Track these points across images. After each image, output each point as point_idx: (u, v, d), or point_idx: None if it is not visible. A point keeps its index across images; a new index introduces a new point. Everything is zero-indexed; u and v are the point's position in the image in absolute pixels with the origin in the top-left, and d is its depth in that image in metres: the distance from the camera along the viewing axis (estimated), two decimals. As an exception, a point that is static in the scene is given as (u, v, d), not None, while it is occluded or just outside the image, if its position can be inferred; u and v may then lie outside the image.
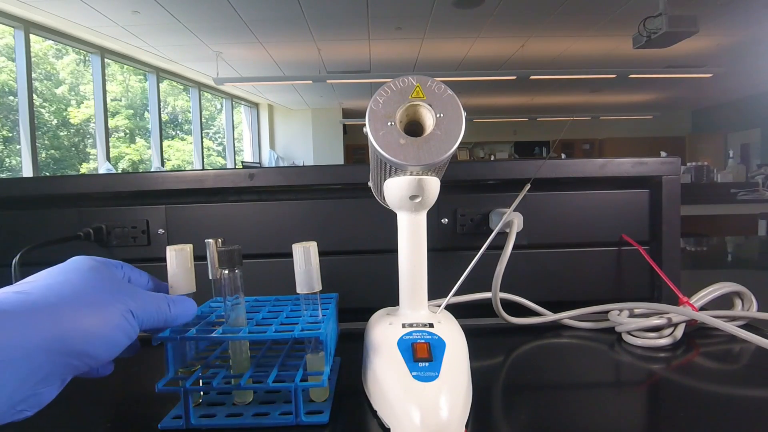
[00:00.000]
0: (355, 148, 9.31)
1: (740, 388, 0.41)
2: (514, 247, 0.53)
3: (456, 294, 0.46)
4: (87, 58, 5.51)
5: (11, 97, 4.44)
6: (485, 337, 0.54)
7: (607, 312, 0.54)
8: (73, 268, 0.31)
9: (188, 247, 0.38)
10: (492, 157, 9.80)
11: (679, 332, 0.49)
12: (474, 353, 0.39)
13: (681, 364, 0.46)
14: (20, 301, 0.26)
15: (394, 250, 0.42)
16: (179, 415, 0.35)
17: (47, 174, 5.45)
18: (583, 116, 9.48)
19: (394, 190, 0.38)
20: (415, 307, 0.41)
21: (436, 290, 0.46)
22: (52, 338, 0.25)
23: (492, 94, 7.71)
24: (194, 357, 0.40)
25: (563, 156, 9.04)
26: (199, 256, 0.40)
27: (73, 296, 0.28)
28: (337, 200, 0.61)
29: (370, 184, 0.47)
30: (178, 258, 0.38)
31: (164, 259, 0.38)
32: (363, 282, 0.60)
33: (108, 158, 4.91)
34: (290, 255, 0.37)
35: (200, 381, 0.36)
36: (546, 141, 10.32)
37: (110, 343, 0.29)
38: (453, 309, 0.46)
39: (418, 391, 0.32)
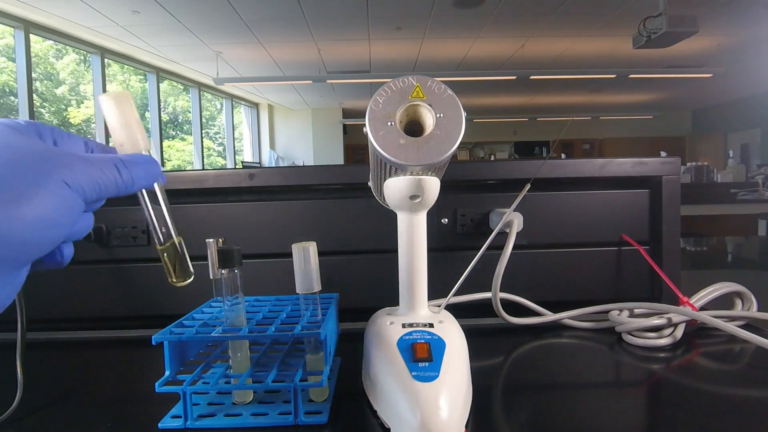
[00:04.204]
0: (355, 148, 9.30)
1: (740, 388, 0.41)
2: (514, 247, 0.53)
3: (456, 294, 0.46)
4: (87, 58, 5.51)
5: (11, 97, 4.44)
6: (485, 337, 0.54)
7: (607, 312, 0.54)
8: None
9: (127, 93, 0.30)
10: (492, 157, 9.80)
11: (679, 332, 0.49)
12: (474, 353, 0.39)
13: (681, 364, 0.46)
14: None
15: (394, 250, 0.42)
16: (179, 415, 0.35)
17: (47, 174, 5.43)
18: (583, 116, 9.48)
19: (394, 190, 0.38)
20: (415, 307, 0.41)
21: (436, 290, 0.46)
22: None
23: (492, 94, 7.71)
24: (194, 357, 0.40)
25: (563, 156, 9.04)
26: (199, 256, 0.40)
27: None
28: (337, 200, 0.61)
29: (370, 184, 0.47)
30: (118, 107, 0.29)
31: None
32: (363, 282, 0.60)
33: (108, 158, 4.91)
34: (290, 255, 0.37)
35: (199, 381, 0.36)
36: (546, 141, 10.32)
37: (51, 225, 0.24)
38: (453, 309, 0.46)
39: (418, 391, 0.32)
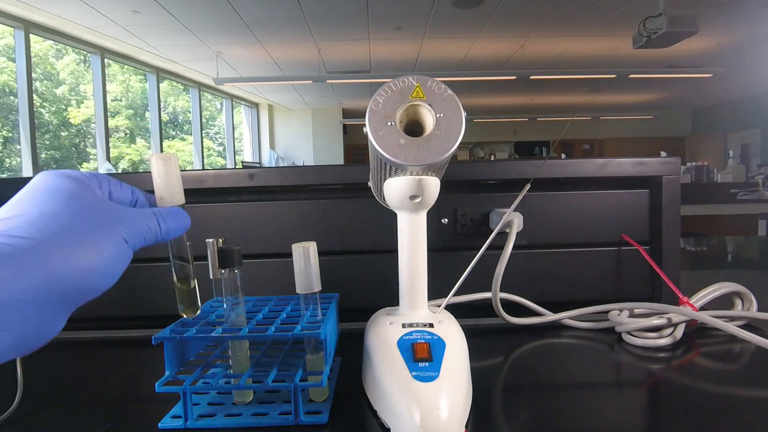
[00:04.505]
0: (355, 148, 9.30)
1: (740, 388, 0.41)
2: (514, 247, 0.53)
3: (456, 294, 0.46)
4: (87, 58, 5.51)
5: (11, 97, 4.44)
6: (485, 337, 0.54)
7: (607, 312, 0.54)
8: (50, 195, 0.27)
9: (174, 156, 0.35)
10: (492, 157, 9.80)
11: (679, 332, 0.49)
12: (474, 353, 0.39)
13: (681, 364, 0.46)
14: (5, 244, 0.24)
15: (394, 250, 0.42)
16: (179, 415, 0.35)
17: (47, 174, 5.43)
18: (583, 116, 9.47)
19: (394, 190, 0.38)
20: (415, 307, 0.41)
21: (436, 290, 0.46)
22: (46, 281, 0.24)
23: (492, 94, 7.71)
24: (194, 357, 0.40)
25: (563, 156, 9.04)
26: (199, 256, 0.40)
27: (60, 232, 0.25)
28: (337, 200, 0.61)
29: (370, 184, 0.47)
30: (164, 167, 0.34)
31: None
32: (363, 282, 0.60)
33: (108, 158, 4.91)
34: (290, 255, 0.37)
35: (200, 381, 0.36)
36: (546, 141, 10.32)
37: (108, 274, 0.27)
38: (453, 309, 0.46)
39: (418, 391, 0.32)
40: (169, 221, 0.32)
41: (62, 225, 0.26)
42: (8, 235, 0.24)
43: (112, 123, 6.33)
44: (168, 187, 0.34)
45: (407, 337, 0.37)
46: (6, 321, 0.22)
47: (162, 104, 6.11)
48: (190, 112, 7.10)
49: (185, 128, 8.15)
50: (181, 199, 0.35)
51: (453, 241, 0.61)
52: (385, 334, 0.38)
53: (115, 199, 0.32)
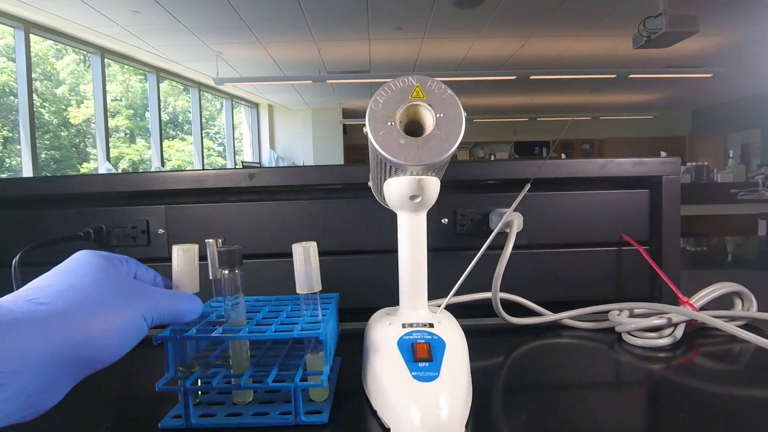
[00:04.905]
0: (355, 148, 9.30)
1: (740, 388, 0.41)
2: (514, 247, 0.53)
3: (456, 294, 0.46)
4: (87, 58, 5.51)
5: (11, 97, 4.44)
6: (485, 337, 0.54)
7: (607, 312, 0.54)
8: (82, 269, 0.30)
9: (195, 247, 0.39)
10: (492, 157, 9.80)
11: (679, 332, 0.49)
12: (474, 353, 0.39)
13: (681, 364, 0.46)
14: (31, 310, 0.26)
15: (394, 250, 0.42)
16: (179, 415, 0.35)
17: (47, 174, 5.45)
18: (583, 116, 9.47)
19: (394, 190, 0.38)
20: (415, 307, 0.41)
21: (436, 290, 0.46)
22: (63, 347, 0.25)
23: (492, 94, 7.71)
24: (194, 357, 0.40)
25: (563, 156, 9.04)
26: (200, 256, 0.40)
27: (84, 302, 0.28)
28: (337, 200, 0.61)
29: (370, 184, 0.47)
30: (185, 257, 0.38)
31: (165, 259, 0.38)
32: (363, 282, 0.60)
33: (108, 158, 4.91)
34: (290, 255, 0.37)
35: (200, 381, 0.36)
36: (546, 141, 10.32)
37: (120, 347, 0.29)
38: (453, 309, 0.46)
39: (418, 391, 0.32)
40: (186, 304, 0.34)
41: (87, 296, 0.28)
42: (38, 302, 0.26)
43: (112, 123, 6.33)
44: (188, 275, 0.38)
45: (407, 337, 0.37)
46: (17, 383, 0.24)
47: (162, 104, 6.11)
48: (190, 112, 7.10)
49: (185, 128, 8.15)
50: (197, 288, 0.38)
51: (453, 241, 0.61)
52: (385, 334, 0.38)
53: (139, 279, 0.35)
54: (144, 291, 0.31)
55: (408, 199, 0.38)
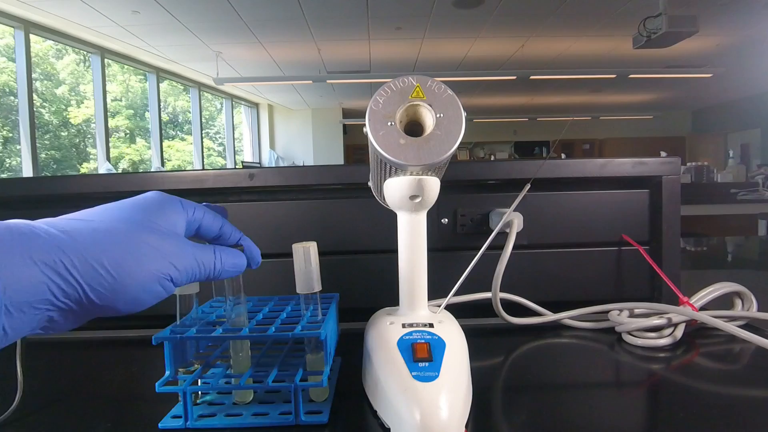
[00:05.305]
0: (355, 148, 9.30)
1: (740, 388, 0.41)
2: (514, 247, 0.53)
3: (456, 294, 0.46)
4: (87, 58, 5.51)
5: (11, 97, 4.44)
6: (485, 337, 0.54)
7: (607, 312, 0.54)
8: (140, 204, 0.29)
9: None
10: (492, 157, 9.80)
11: (679, 332, 0.49)
12: (474, 353, 0.39)
13: (681, 364, 0.46)
14: (47, 230, 0.26)
15: (394, 250, 0.42)
16: (179, 415, 0.35)
17: (47, 174, 5.45)
18: (583, 116, 9.48)
19: (394, 190, 0.38)
20: (415, 307, 0.41)
21: (436, 290, 0.46)
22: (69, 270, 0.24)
23: (492, 94, 7.71)
24: (194, 356, 0.40)
25: (563, 156, 9.04)
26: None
27: (113, 243, 0.26)
28: (337, 200, 0.61)
29: (370, 184, 0.47)
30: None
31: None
32: (363, 282, 0.60)
33: (108, 158, 4.91)
34: (290, 255, 0.37)
35: (200, 381, 0.36)
36: (546, 141, 10.32)
37: (137, 303, 0.27)
38: (453, 309, 0.46)
39: (418, 391, 0.32)
40: (226, 262, 0.32)
41: (116, 238, 0.27)
42: (79, 219, 0.27)
43: (112, 123, 6.33)
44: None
45: (407, 337, 0.37)
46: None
47: (162, 104, 6.11)
48: (190, 112, 7.10)
49: (185, 128, 8.15)
50: (197, 288, 0.39)
51: (453, 241, 0.61)
52: (385, 334, 0.38)
53: (204, 226, 0.33)
54: (181, 250, 0.29)
55: (408, 199, 0.38)
